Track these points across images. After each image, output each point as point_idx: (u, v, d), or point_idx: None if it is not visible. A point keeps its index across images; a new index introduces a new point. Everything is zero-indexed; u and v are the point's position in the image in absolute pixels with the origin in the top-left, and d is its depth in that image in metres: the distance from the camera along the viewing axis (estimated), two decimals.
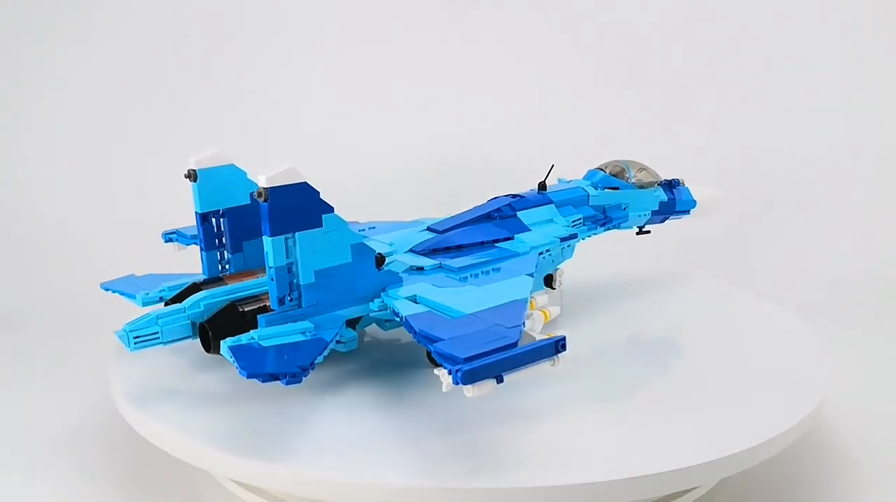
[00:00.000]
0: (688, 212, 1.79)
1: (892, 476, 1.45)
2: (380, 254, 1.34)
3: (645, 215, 1.74)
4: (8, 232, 2.52)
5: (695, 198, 1.78)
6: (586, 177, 1.71)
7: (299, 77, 2.82)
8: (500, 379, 1.06)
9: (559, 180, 1.71)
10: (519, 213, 1.57)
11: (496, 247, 1.49)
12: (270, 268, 1.24)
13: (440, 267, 1.41)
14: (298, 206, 1.23)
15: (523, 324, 1.18)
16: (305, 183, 1.23)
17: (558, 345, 1.10)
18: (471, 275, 1.38)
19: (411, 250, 1.47)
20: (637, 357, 1.51)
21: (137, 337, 1.27)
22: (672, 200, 1.76)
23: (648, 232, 1.79)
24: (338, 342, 1.30)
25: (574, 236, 1.58)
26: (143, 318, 1.29)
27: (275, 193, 1.20)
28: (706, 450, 1.17)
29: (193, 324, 1.31)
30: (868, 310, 2.18)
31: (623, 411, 1.31)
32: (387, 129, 2.77)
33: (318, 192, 1.25)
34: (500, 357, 1.06)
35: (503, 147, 2.69)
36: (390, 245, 1.48)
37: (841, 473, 1.46)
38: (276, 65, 2.81)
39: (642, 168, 1.73)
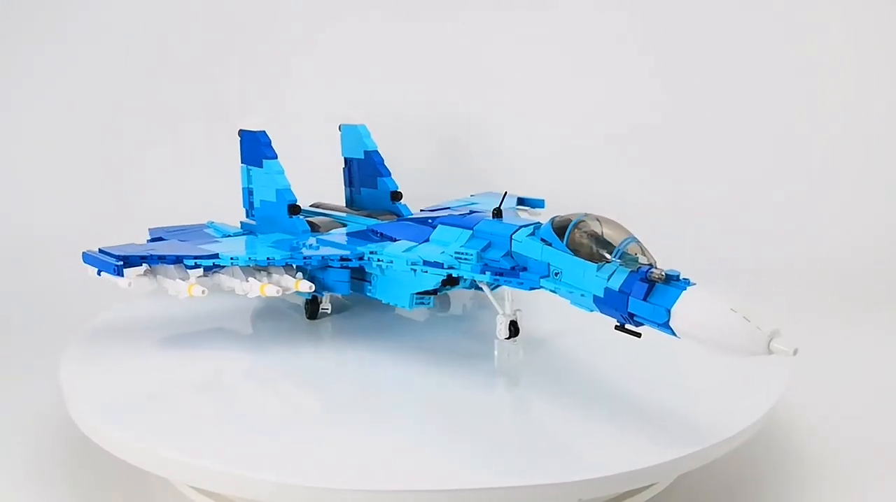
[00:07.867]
0: (661, 325, 1.17)
1: (846, 471, 1.47)
2: (294, 204, 1.73)
3: (582, 296, 1.28)
4: None
5: (670, 311, 1.14)
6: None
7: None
8: (98, 272, 1.49)
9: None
10: (438, 226, 1.57)
11: (382, 243, 1.62)
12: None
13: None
14: (253, 147, 1.77)
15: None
16: (262, 132, 1.75)
17: (115, 269, 1.45)
18: (297, 245, 1.64)
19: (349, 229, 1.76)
20: (594, 356, 1.51)
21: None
22: (624, 296, 1.21)
23: (636, 334, 1.25)
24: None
25: (439, 265, 1.46)
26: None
27: (243, 134, 1.79)
28: (664, 448, 1.18)
29: None
30: (826, 309, 2.22)
31: (581, 409, 1.31)
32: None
33: (268, 142, 1.74)
34: (100, 259, 1.49)
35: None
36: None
37: (797, 469, 1.48)
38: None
39: (608, 235, 1.26)
